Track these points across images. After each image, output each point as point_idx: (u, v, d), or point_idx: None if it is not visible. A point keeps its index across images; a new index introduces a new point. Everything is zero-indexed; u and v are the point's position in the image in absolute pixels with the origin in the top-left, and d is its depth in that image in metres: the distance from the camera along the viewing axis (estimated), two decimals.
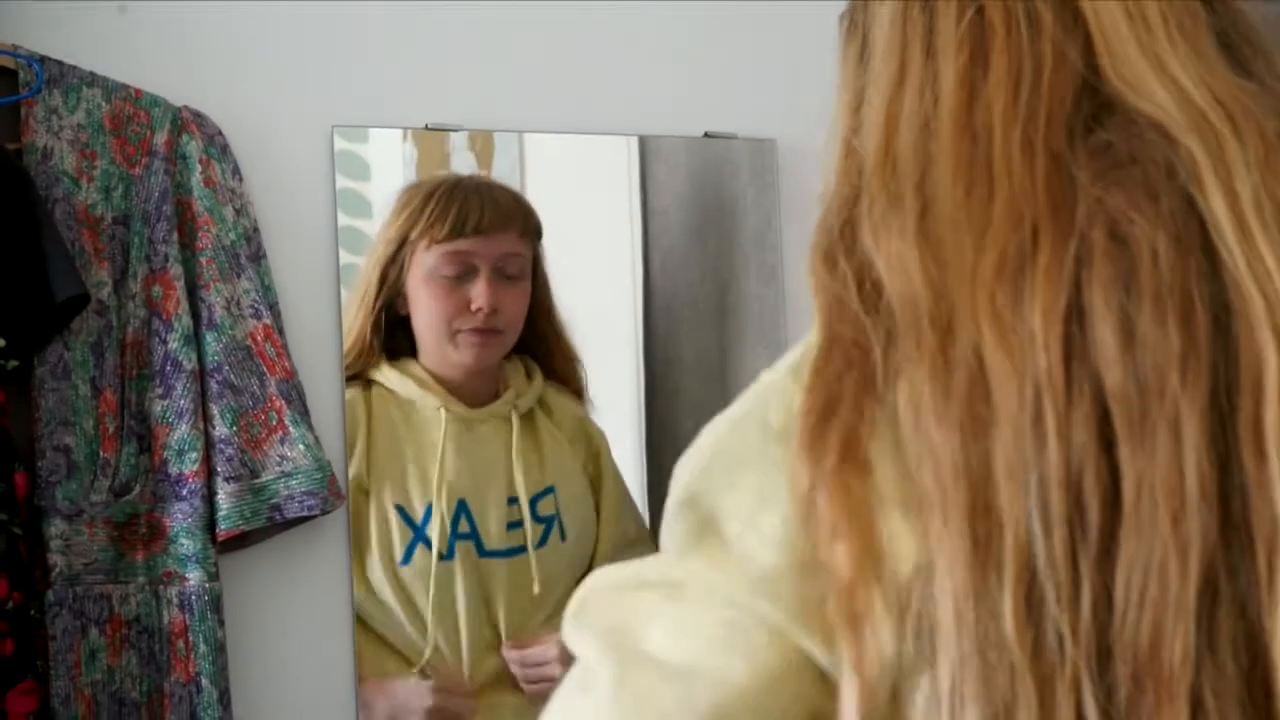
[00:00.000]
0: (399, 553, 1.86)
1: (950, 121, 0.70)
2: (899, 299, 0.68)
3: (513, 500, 1.94)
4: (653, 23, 2.07)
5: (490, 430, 1.95)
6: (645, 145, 2.05)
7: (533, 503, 1.95)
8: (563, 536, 1.96)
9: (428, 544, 1.87)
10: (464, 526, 1.90)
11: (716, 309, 2.11)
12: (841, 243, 0.72)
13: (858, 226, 0.72)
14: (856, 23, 0.79)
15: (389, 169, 1.92)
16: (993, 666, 0.62)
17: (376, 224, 1.90)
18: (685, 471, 0.73)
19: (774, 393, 0.71)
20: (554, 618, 1.89)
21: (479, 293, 1.91)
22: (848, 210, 0.73)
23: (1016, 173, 0.68)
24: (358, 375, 1.89)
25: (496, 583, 1.91)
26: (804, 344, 0.74)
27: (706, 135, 2.08)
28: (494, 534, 1.92)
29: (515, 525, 1.93)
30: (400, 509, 1.88)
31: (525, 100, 1.99)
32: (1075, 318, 0.64)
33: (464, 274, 1.91)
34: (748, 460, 0.70)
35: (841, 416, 0.67)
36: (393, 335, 1.91)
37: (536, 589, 1.92)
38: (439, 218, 1.89)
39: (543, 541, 1.94)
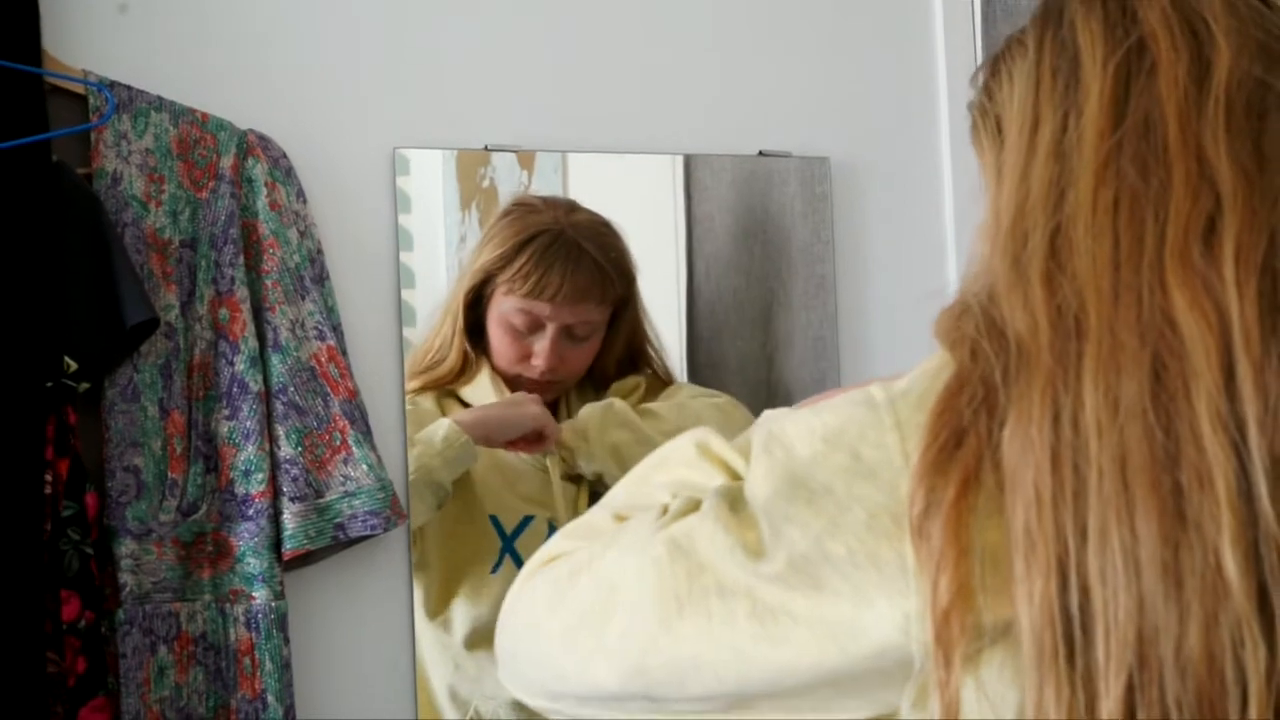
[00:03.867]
0: (490, 562, 1.93)
1: (1094, 131, 0.72)
2: (1026, 337, 0.70)
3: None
4: (706, 41, 2.09)
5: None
6: (692, 155, 2.07)
7: None
8: None
9: (515, 557, 1.93)
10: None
11: (761, 315, 2.13)
12: (974, 299, 0.74)
13: (991, 285, 0.74)
14: (987, 114, 0.80)
15: (429, 171, 1.95)
16: (1207, 616, 0.63)
17: (416, 219, 1.92)
18: (768, 475, 0.76)
19: (870, 425, 0.74)
20: None
21: (541, 350, 1.95)
22: (983, 277, 0.75)
23: (1195, 149, 0.69)
24: (450, 391, 1.95)
25: None
26: (915, 375, 0.76)
27: (761, 154, 2.10)
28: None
29: None
30: (494, 519, 1.93)
31: (582, 121, 2.01)
32: (1272, 277, 0.66)
33: (532, 329, 1.96)
34: (830, 492, 0.73)
35: (968, 448, 0.70)
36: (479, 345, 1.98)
37: None
38: (523, 275, 1.93)
39: None
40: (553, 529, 1.93)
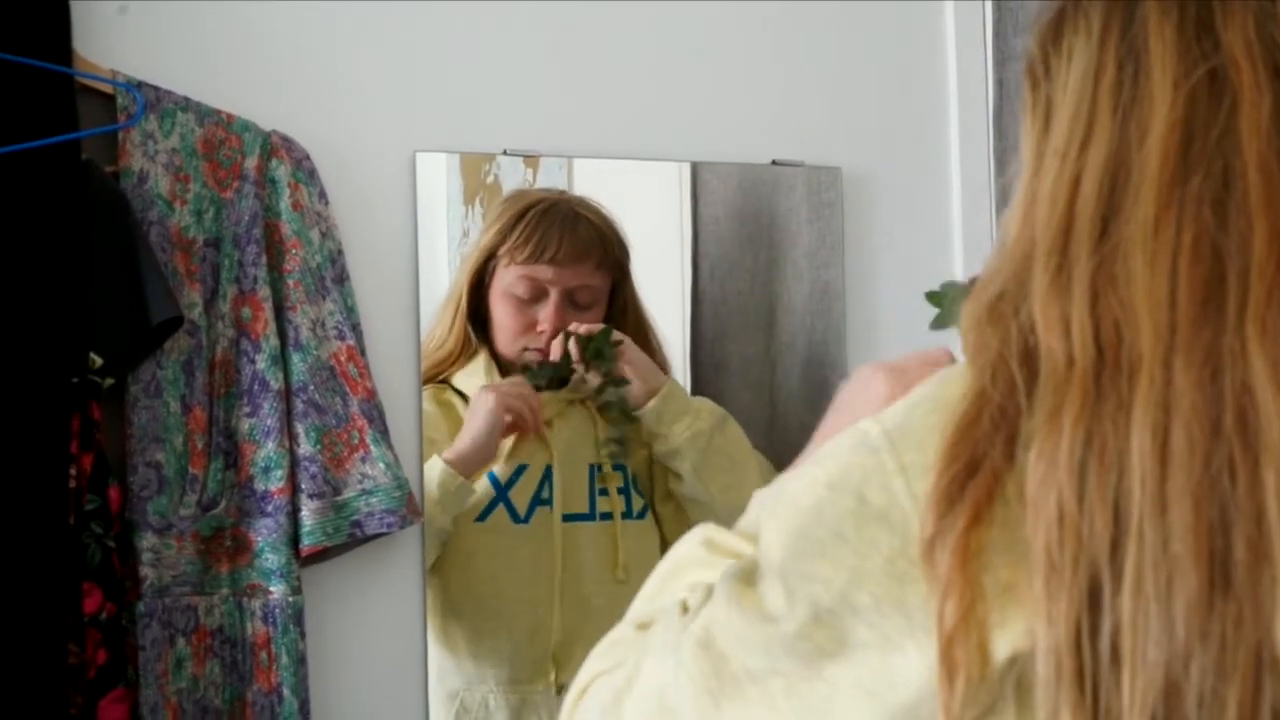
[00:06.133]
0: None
1: (1160, 156, 0.69)
2: (1061, 361, 0.68)
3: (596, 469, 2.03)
4: (720, 51, 2.11)
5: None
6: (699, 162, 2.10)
7: (630, 480, 2.04)
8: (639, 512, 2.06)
9: (508, 506, 1.96)
10: (545, 492, 1.99)
11: (765, 318, 2.15)
12: (1008, 304, 0.72)
13: (1027, 290, 0.72)
14: (1039, 86, 0.76)
15: (433, 168, 1.97)
16: (1246, 689, 0.63)
17: (421, 214, 1.94)
18: (778, 535, 0.75)
19: (874, 469, 0.72)
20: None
21: (545, 315, 1.99)
22: (1018, 273, 0.73)
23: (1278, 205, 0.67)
24: (445, 380, 1.97)
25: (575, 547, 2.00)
26: (912, 403, 0.75)
27: (774, 163, 2.12)
28: (576, 500, 2.01)
29: (603, 493, 2.03)
30: (490, 474, 1.97)
31: (598, 126, 2.04)
32: None
33: (536, 296, 1.99)
34: (843, 538, 0.72)
35: (981, 478, 0.69)
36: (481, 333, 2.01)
37: (621, 555, 2.01)
38: (523, 242, 1.97)
39: (632, 513, 2.04)
40: (549, 471, 1.99)
